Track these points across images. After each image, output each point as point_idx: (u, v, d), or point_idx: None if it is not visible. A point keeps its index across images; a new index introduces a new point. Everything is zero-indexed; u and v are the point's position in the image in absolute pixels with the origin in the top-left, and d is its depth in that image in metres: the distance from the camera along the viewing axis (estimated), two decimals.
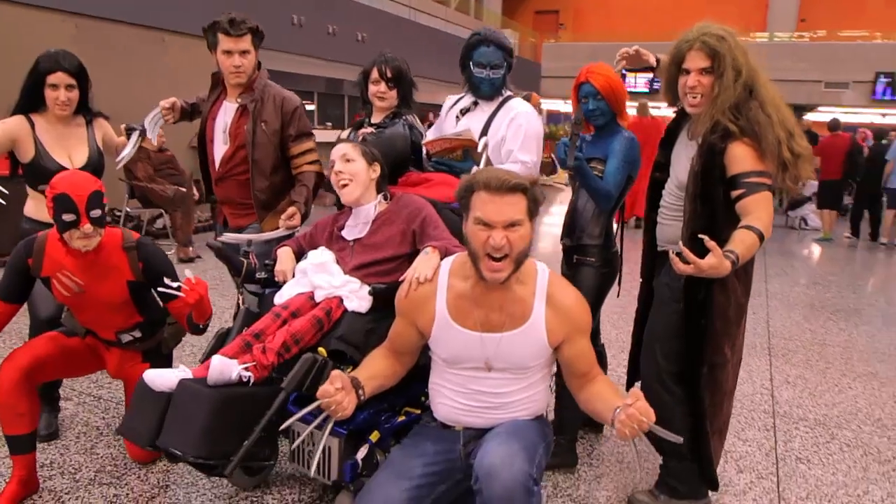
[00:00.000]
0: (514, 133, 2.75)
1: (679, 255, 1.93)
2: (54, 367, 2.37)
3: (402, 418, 2.23)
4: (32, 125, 2.70)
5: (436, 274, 1.91)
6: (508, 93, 2.89)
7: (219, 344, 2.14)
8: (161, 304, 2.41)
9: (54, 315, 2.59)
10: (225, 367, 1.84)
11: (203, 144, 2.90)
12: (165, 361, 2.56)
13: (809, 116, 13.50)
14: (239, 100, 2.75)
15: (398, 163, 2.39)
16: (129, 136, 2.98)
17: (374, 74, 2.82)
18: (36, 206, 2.76)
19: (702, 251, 1.89)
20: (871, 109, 15.15)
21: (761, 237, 2.01)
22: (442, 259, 1.95)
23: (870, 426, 3.24)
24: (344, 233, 2.27)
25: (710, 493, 2.42)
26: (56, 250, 2.25)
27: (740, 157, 2.10)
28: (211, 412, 1.77)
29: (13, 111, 2.74)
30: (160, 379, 1.86)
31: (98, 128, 2.89)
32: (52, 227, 2.32)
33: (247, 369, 1.87)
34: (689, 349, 2.29)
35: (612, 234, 2.71)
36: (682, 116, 2.41)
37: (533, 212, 1.73)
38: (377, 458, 2.13)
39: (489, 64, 2.79)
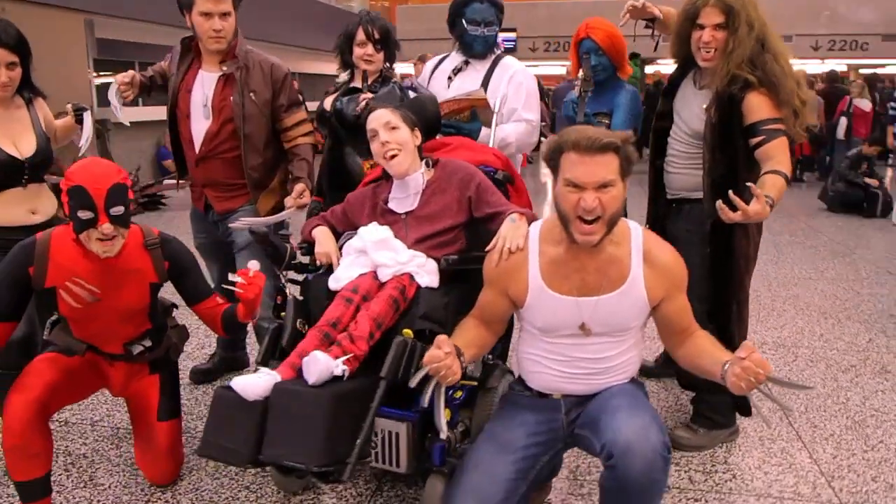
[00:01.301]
0: (516, 91, 2.70)
1: (726, 202, 2.01)
2: (65, 394, 2.03)
3: (459, 394, 2.15)
4: None
5: (526, 241, 1.84)
6: (498, 51, 2.83)
7: (275, 341, 1.93)
8: (188, 303, 2.12)
9: (27, 334, 2.21)
10: (326, 364, 1.66)
11: (174, 121, 2.56)
12: (175, 370, 2.28)
13: None
14: (224, 68, 2.45)
15: (431, 127, 2.25)
16: (78, 118, 2.58)
17: (360, 36, 2.63)
18: None
19: (724, 197, 1.98)
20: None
21: (787, 179, 2.14)
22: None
23: (817, 341, 3.62)
24: (392, 205, 2.11)
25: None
26: (64, 254, 1.91)
27: (758, 106, 2.21)
28: (329, 414, 1.59)
29: None
30: (252, 387, 1.64)
31: (39, 109, 2.47)
32: (53, 227, 1.96)
33: (344, 362, 1.70)
34: (718, 289, 2.42)
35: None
36: (684, 67, 2.48)
37: (626, 171, 1.69)
38: (456, 438, 2.04)
39: (483, 21, 2.71)
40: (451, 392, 2.10)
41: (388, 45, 2.68)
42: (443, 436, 1.79)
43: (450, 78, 2.79)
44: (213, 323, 2.11)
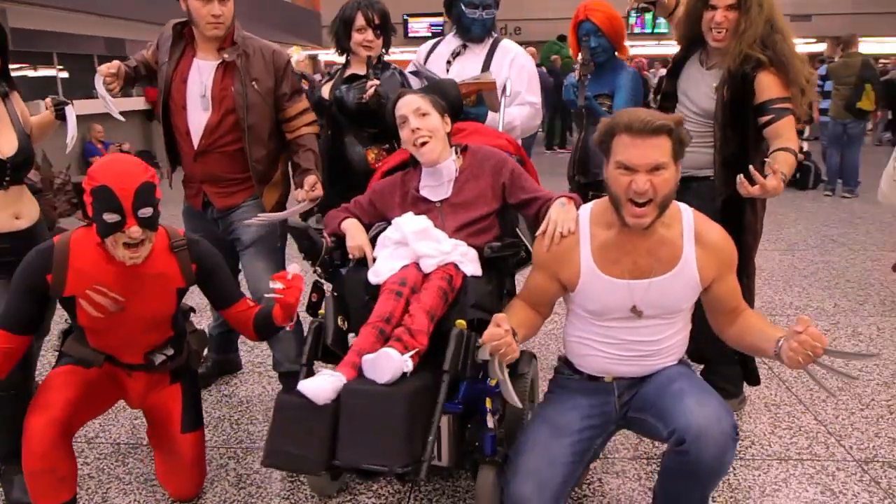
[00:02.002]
0: (519, 74, 2.68)
1: (745, 177, 2.06)
2: (85, 411, 1.88)
3: (495, 381, 2.13)
4: None
5: (576, 224, 1.83)
6: (495, 34, 2.79)
7: (318, 340, 1.85)
8: (216, 307, 2.00)
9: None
10: (399, 361, 1.60)
11: (168, 113, 2.40)
12: (195, 378, 2.15)
13: None
14: (226, 55, 2.30)
15: (454, 112, 2.20)
16: (59, 113, 2.38)
17: (360, 21, 2.54)
18: None
19: (734, 175, 2.04)
20: (632, 42, 17.00)
21: (795, 156, 2.23)
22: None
23: (789, 309, 3.81)
24: (425, 193, 2.05)
25: None
26: (84, 259, 1.76)
27: (768, 86, 2.28)
28: (406, 413, 1.53)
29: None
30: (322, 390, 1.56)
31: (16, 104, 2.26)
32: (73, 231, 1.80)
33: (410, 358, 1.65)
34: None
35: None
36: (688, 49, 2.53)
37: (678, 153, 1.69)
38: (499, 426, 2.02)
39: (482, 4, 2.67)
40: (487, 380, 2.08)
41: (386, 30, 2.60)
42: (521, 405, 1.74)
43: (449, 62, 2.73)
44: (244, 327, 2.00)
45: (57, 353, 2.02)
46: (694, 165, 2.51)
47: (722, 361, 2.58)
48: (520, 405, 1.68)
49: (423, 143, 1.99)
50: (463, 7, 2.68)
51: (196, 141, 2.36)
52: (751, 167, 2.05)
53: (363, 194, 2.18)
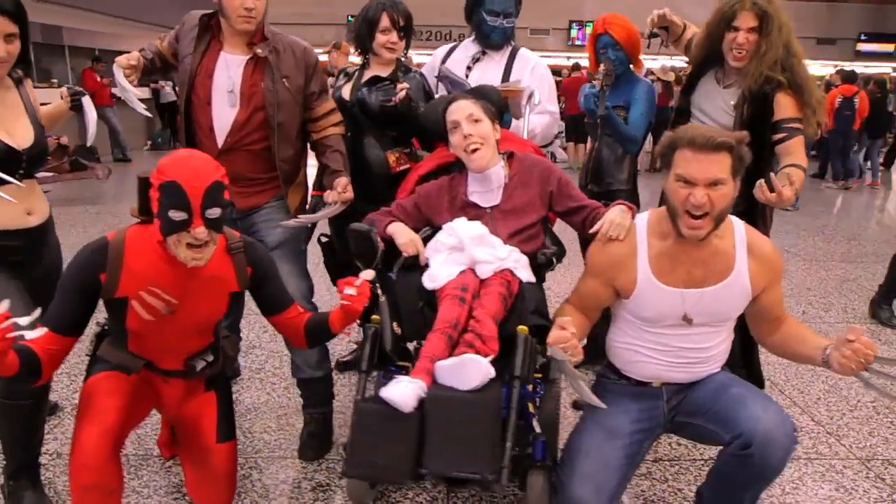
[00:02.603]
0: (539, 83, 2.71)
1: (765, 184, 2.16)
2: (129, 420, 1.77)
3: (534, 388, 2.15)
4: None
5: (630, 233, 1.87)
6: (514, 42, 2.82)
7: (376, 346, 1.81)
8: (266, 313, 1.91)
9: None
10: (487, 367, 1.58)
11: (190, 108, 2.29)
12: (229, 386, 2.07)
13: None
14: (259, 50, 2.22)
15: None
16: (75, 104, 2.25)
17: (385, 22, 2.51)
18: None
19: (749, 188, 2.11)
20: (569, 53, 17.46)
21: (805, 173, 2.37)
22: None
23: None
24: (475, 199, 2.04)
25: None
26: (139, 258, 1.66)
27: (784, 105, 2.40)
28: (494, 419, 1.52)
29: None
30: (406, 398, 1.53)
31: (29, 91, 2.12)
32: (127, 228, 1.69)
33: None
34: None
35: (637, 179, 2.87)
36: (702, 66, 2.63)
37: (737, 170, 1.74)
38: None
39: (503, 12, 2.69)
40: (526, 387, 2.10)
41: (409, 32, 2.58)
42: (602, 405, 1.75)
43: (469, 68, 2.74)
44: (295, 334, 1.92)
45: (88, 358, 1.90)
46: None
47: (729, 364, 2.68)
48: (601, 405, 1.70)
49: (475, 150, 1.99)
50: (484, 14, 2.70)
51: (221, 138, 2.27)
52: (771, 174, 2.15)
53: (406, 198, 2.15)
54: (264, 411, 2.70)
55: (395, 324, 1.86)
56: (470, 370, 1.60)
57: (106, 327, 1.93)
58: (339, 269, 2.94)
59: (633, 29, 2.76)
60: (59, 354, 1.65)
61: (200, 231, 1.59)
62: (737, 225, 1.88)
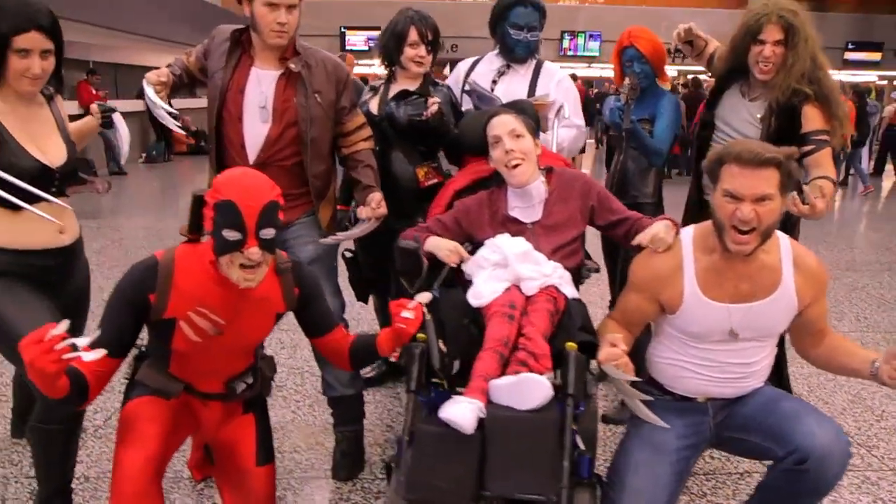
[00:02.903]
0: (565, 96, 2.71)
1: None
2: (170, 446, 1.73)
3: None
4: None
5: (676, 247, 1.86)
6: (538, 56, 2.81)
7: (423, 364, 1.78)
8: (311, 335, 1.88)
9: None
10: (548, 387, 1.57)
11: (221, 124, 2.26)
12: (266, 407, 2.03)
13: None
14: (292, 65, 2.20)
15: None
16: (106, 121, 2.22)
17: (413, 36, 2.50)
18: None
19: None
20: (559, 63, 17.66)
21: (834, 185, 2.38)
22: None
23: None
24: (516, 214, 2.03)
25: None
26: (189, 278, 1.63)
27: (811, 118, 2.41)
28: (557, 441, 1.50)
29: None
30: (467, 419, 1.50)
31: (60, 106, 2.09)
32: (176, 247, 1.66)
33: None
34: None
35: (662, 192, 2.87)
36: (726, 80, 2.64)
37: (786, 186, 1.73)
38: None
39: (527, 25, 2.69)
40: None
41: (437, 46, 2.58)
42: (663, 423, 1.74)
43: (494, 81, 2.73)
44: (338, 356, 1.88)
45: (127, 382, 1.86)
46: None
47: None
48: (661, 423, 1.69)
49: (516, 165, 1.98)
50: (508, 28, 2.70)
51: (252, 154, 2.24)
52: (804, 187, 2.15)
53: (444, 213, 2.13)
54: (291, 430, 2.66)
55: (440, 341, 1.83)
56: (530, 389, 1.58)
57: (143, 349, 1.89)
58: (364, 284, 2.93)
59: (659, 42, 2.77)
60: (105, 376, 1.61)
61: (254, 252, 1.56)
62: (782, 239, 1.88)
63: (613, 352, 1.69)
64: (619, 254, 2.74)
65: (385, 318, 3.18)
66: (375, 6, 19.26)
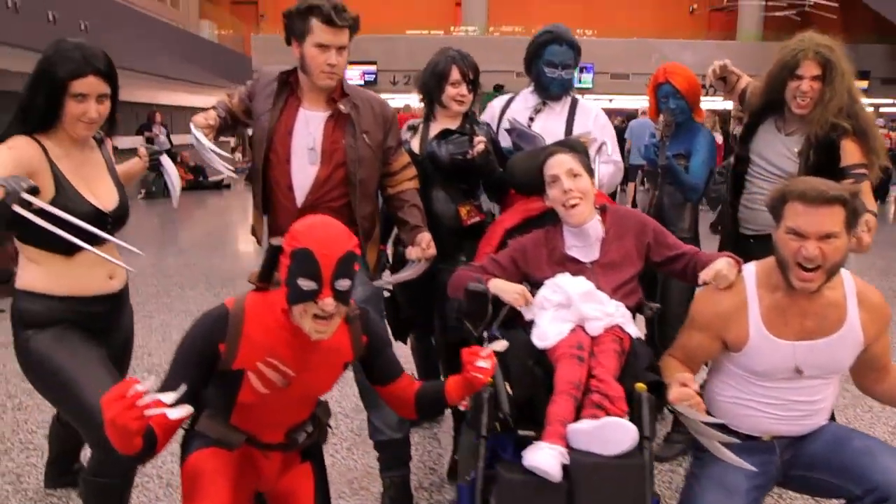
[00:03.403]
0: (602, 132, 2.72)
1: None
2: (240, 499, 1.68)
3: None
4: (45, 151, 1.84)
5: (739, 285, 1.86)
6: (573, 93, 2.84)
7: (493, 409, 1.75)
8: (375, 383, 1.83)
9: None
10: (632, 432, 1.54)
11: (268, 167, 2.25)
12: (322, 455, 1.98)
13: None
14: (342, 107, 2.20)
15: None
16: (153, 163, 2.21)
17: (455, 75, 2.52)
18: (49, 275, 1.88)
19: None
20: None
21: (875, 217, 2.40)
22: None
23: None
24: (574, 253, 2.02)
25: None
26: (259, 328, 1.59)
27: (850, 152, 2.44)
28: (647, 486, 1.47)
29: (8, 132, 1.84)
30: (553, 467, 1.48)
31: (109, 150, 2.09)
32: (246, 295, 1.63)
33: None
34: None
35: (698, 226, 2.88)
36: (759, 115, 2.66)
37: (851, 223, 1.74)
38: None
39: (561, 63, 2.71)
40: None
41: (477, 84, 2.59)
42: (745, 464, 1.71)
43: (531, 119, 2.75)
44: (404, 404, 1.83)
45: (184, 432, 1.81)
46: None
47: None
48: (746, 465, 1.67)
49: (574, 205, 1.98)
50: (543, 66, 2.71)
51: (301, 196, 2.23)
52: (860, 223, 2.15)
53: (499, 253, 2.12)
54: (334, 475, 2.59)
55: (507, 384, 1.81)
56: (616, 434, 1.55)
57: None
58: (403, 324, 2.89)
59: (695, 78, 2.81)
60: (172, 428, 1.57)
61: (328, 303, 1.52)
62: (845, 275, 1.88)
63: (686, 392, 1.68)
64: (657, 291, 2.74)
65: (423, 358, 3.15)
66: (370, 41, 19.61)
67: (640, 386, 1.77)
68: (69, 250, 1.90)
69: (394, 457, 2.39)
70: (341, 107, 2.20)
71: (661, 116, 2.73)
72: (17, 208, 1.52)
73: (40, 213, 1.61)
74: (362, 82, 18.57)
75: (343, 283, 1.54)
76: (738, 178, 2.69)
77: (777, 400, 1.87)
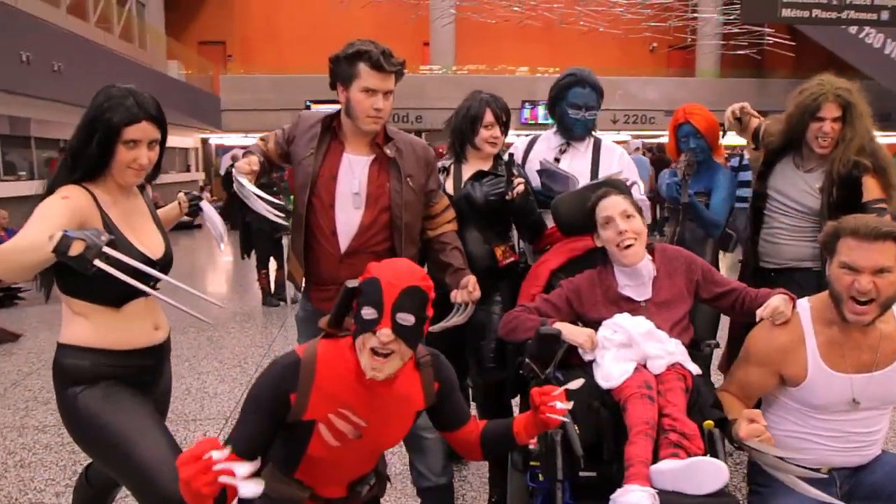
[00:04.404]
0: (629, 171, 2.77)
1: None
2: None
3: None
4: (95, 199, 1.79)
5: (795, 321, 1.90)
6: (595, 133, 2.89)
7: (566, 452, 1.74)
8: (443, 429, 1.79)
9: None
10: (724, 470, 1.55)
11: (311, 212, 2.23)
12: None
13: None
14: (388, 151, 2.20)
15: None
16: (193, 209, 2.17)
17: (489, 118, 2.55)
18: (97, 328, 1.81)
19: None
20: (519, 131, 18.19)
21: None
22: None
23: None
24: (629, 293, 2.04)
25: None
26: (330, 377, 1.55)
27: (871, 188, 2.54)
28: None
29: (56, 181, 1.79)
30: None
31: (150, 196, 2.05)
32: (318, 343, 1.59)
33: None
34: None
35: (719, 262, 2.94)
36: (777, 154, 2.76)
37: None
38: None
39: (585, 105, 2.77)
40: None
41: (508, 126, 2.63)
42: (820, 496, 1.72)
43: (557, 160, 2.79)
44: (470, 448, 1.79)
45: None
46: (796, 257, 2.70)
47: None
48: (827, 498, 1.68)
49: (628, 246, 2.01)
50: (567, 108, 2.77)
51: (344, 242, 2.20)
52: None
53: (552, 294, 2.13)
54: None
55: (575, 426, 1.80)
56: (707, 473, 1.56)
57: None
58: None
59: (713, 118, 2.89)
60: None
61: (385, 333, 1.46)
62: (894, 308, 1.94)
63: (757, 428, 1.70)
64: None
65: None
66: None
67: (709, 423, 1.78)
68: (118, 302, 1.85)
69: (438, 503, 2.35)
70: (388, 151, 2.20)
71: (683, 156, 2.80)
72: (98, 262, 1.47)
73: (116, 264, 1.56)
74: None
75: (405, 318, 1.48)
76: (758, 214, 2.77)
77: (835, 432, 1.90)
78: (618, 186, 2.25)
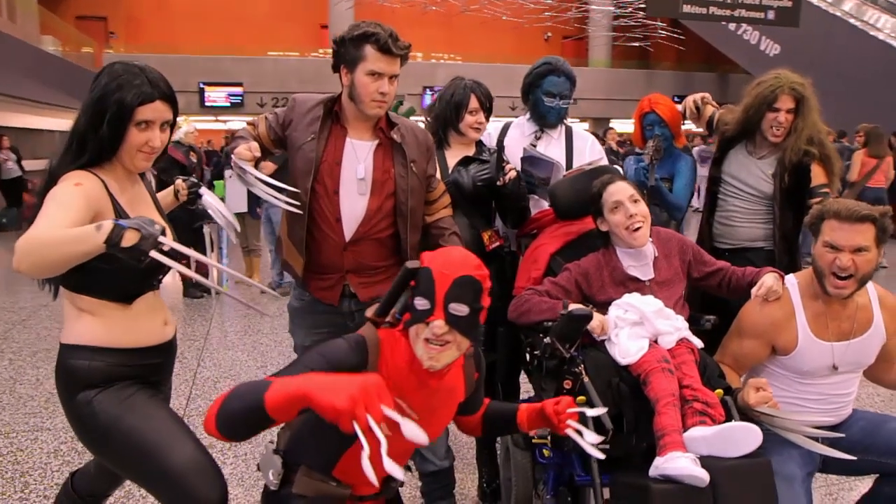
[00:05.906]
0: (600, 158, 2.89)
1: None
2: None
3: None
4: (105, 186, 1.67)
5: (785, 296, 2.08)
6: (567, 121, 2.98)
7: (600, 424, 1.82)
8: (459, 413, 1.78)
9: (223, 496, 1.68)
10: (756, 432, 1.67)
11: (314, 199, 2.16)
12: (400, 499, 1.92)
13: None
14: (395, 136, 2.17)
15: None
16: (192, 196, 2.06)
17: (474, 104, 2.59)
18: (107, 326, 1.70)
19: (791, 244, 2.66)
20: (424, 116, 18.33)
21: None
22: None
23: None
24: (635, 273, 2.14)
25: None
26: (391, 365, 1.52)
27: (817, 174, 2.79)
28: (773, 479, 1.61)
29: (60, 167, 1.64)
30: (698, 472, 1.57)
31: (151, 182, 1.93)
32: (378, 329, 1.56)
33: None
34: None
35: None
36: (730, 141, 2.97)
37: (881, 240, 2.00)
38: None
39: (559, 94, 2.85)
40: None
41: (491, 111, 2.67)
42: (831, 452, 1.88)
43: (533, 146, 2.85)
44: (472, 427, 1.84)
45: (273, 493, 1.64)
46: (750, 238, 2.92)
47: None
48: (828, 450, 1.85)
49: (637, 228, 2.11)
50: (542, 96, 2.84)
51: (349, 229, 2.16)
52: None
53: (559, 277, 2.19)
54: None
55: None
56: (743, 436, 1.69)
57: (282, 451, 1.66)
58: None
59: (676, 108, 3.06)
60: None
61: (438, 325, 1.45)
62: (868, 284, 2.17)
63: (764, 395, 1.85)
64: None
65: None
66: (234, 62, 18.89)
67: (720, 392, 1.92)
68: (129, 298, 1.73)
69: (441, 486, 2.37)
70: (395, 136, 2.17)
71: (649, 142, 2.95)
72: (154, 253, 1.37)
73: (173, 255, 1.46)
74: (228, 104, 17.86)
75: (459, 308, 1.47)
76: (713, 197, 2.98)
77: (819, 395, 2.11)
78: (616, 172, 2.35)
